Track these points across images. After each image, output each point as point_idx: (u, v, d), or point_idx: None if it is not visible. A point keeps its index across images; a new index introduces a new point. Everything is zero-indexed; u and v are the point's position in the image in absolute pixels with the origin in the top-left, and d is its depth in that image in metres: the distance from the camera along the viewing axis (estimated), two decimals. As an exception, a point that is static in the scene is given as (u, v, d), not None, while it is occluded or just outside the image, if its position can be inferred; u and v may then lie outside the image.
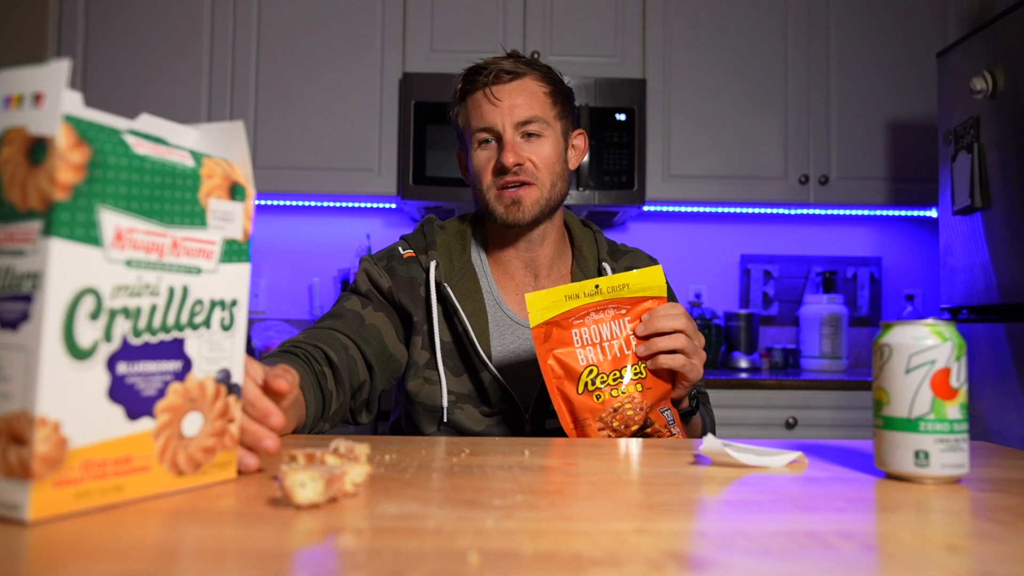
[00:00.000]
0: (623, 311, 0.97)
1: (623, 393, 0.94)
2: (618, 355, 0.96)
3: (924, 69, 2.39)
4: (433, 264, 1.12)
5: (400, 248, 1.17)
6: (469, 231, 1.21)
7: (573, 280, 1.16)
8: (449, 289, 1.10)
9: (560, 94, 1.15)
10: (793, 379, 2.10)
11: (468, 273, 1.15)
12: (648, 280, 0.97)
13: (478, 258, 1.19)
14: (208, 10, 2.37)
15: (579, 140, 1.20)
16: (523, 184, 1.09)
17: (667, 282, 1.24)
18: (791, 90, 2.44)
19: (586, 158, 2.27)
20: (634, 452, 0.76)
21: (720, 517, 0.51)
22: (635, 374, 0.95)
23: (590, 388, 0.95)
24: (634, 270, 0.99)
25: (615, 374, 0.95)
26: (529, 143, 1.10)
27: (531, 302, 0.96)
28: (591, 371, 0.94)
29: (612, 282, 0.96)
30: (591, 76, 2.33)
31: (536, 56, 2.37)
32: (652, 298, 0.98)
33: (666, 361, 0.93)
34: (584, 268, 1.17)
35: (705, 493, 0.58)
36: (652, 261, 1.23)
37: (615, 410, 0.94)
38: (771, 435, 2.06)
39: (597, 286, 0.96)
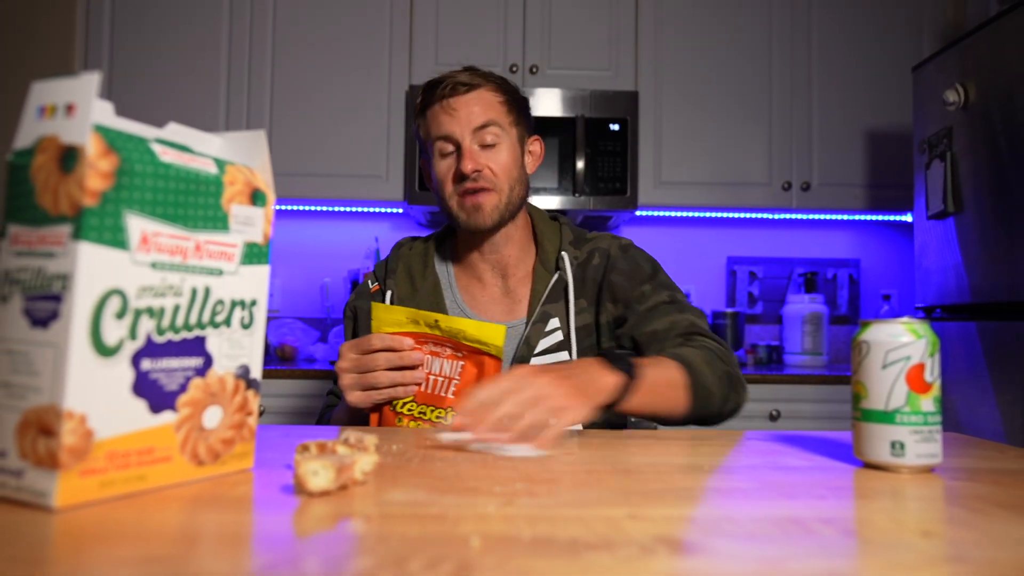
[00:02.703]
0: (460, 355, 0.95)
1: (418, 428, 0.92)
2: (436, 393, 0.94)
3: (900, 82, 2.39)
4: (389, 293, 1.14)
5: (370, 281, 1.19)
6: (433, 246, 1.20)
7: (535, 275, 1.13)
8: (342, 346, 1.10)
9: (515, 103, 1.13)
10: (776, 374, 2.10)
11: (431, 290, 1.14)
12: (486, 335, 0.94)
13: (444, 271, 1.18)
14: (226, 25, 2.37)
15: (535, 146, 1.18)
16: (482, 190, 1.08)
17: (642, 260, 1.14)
18: (775, 101, 2.44)
19: (581, 165, 2.27)
20: (628, 443, 0.76)
21: (708, 504, 0.51)
22: (438, 417, 0.93)
23: (397, 409, 0.95)
24: (478, 320, 0.94)
25: (422, 408, 0.94)
26: (486, 152, 1.09)
27: (376, 312, 0.96)
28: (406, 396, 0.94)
29: (451, 323, 0.94)
30: (586, 88, 2.33)
31: (535, 70, 2.37)
32: (489, 356, 0.94)
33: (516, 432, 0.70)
34: (545, 262, 1.14)
35: (694, 481, 0.58)
36: (615, 239, 1.17)
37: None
38: (756, 426, 2.06)
39: (437, 321, 0.94)
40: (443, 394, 0.94)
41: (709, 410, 0.95)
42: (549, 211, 1.23)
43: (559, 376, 0.75)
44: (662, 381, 0.88)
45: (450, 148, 1.09)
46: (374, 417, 0.98)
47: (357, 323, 1.16)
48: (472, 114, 1.08)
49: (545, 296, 1.10)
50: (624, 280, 1.11)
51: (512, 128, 1.12)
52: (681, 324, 1.05)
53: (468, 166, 1.06)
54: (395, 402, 0.95)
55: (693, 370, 0.92)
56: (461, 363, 0.94)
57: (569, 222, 1.21)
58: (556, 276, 1.12)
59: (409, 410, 0.94)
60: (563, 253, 1.14)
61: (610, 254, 1.15)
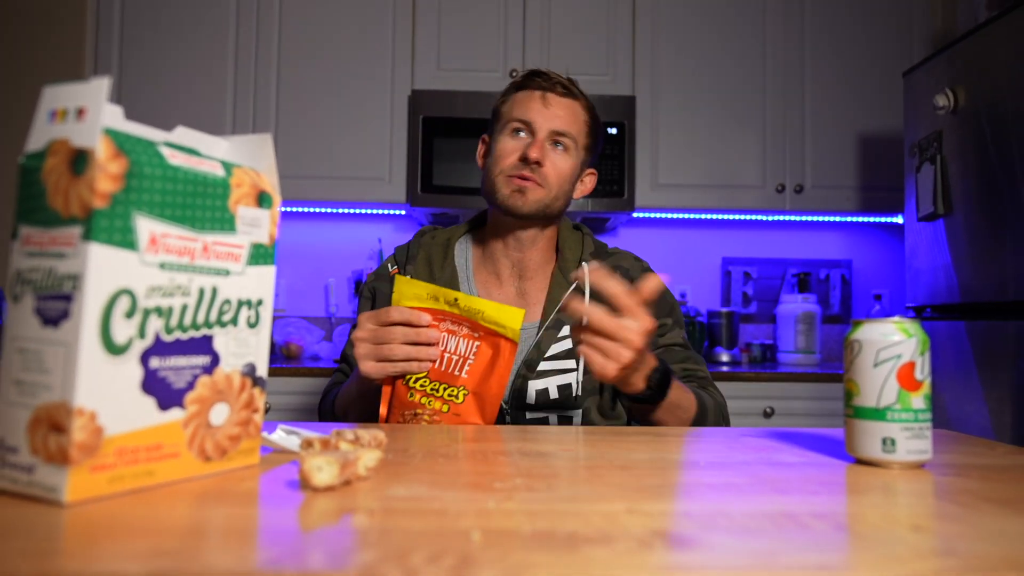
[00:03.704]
0: (476, 335, 0.93)
1: (429, 405, 0.92)
2: (449, 371, 0.93)
3: (891, 87, 2.39)
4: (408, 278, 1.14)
5: (389, 265, 1.19)
6: (456, 236, 1.20)
7: (553, 281, 1.14)
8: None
9: (595, 130, 1.16)
10: (770, 372, 2.10)
11: (448, 281, 1.14)
12: (504, 318, 0.92)
13: (463, 264, 1.18)
14: (232, 31, 2.37)
15: (589, 179, 1.20)
16: (533, 181, 1.09)
17: (666, 293, 1.17)
18: (769, 106, 2.44)
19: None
20: (625, 439, 0.76)
21: (703, 499, 0.51)
22: (449, 395, 0.92)
23: (410, 384, 0.93)
24: (497, 302, 0.93)
25: (435, 385, 0.92)
26: (554, 152, 1.10)
27: (398, 284, 0.95)
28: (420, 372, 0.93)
29: (470, 302, 0.93)
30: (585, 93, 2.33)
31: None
32: (505, 338, 0.92)
33: (581, 350, 0.83)
34: (564, 270, 1.14)
35: (690, 477, 0.58)
36: (637, 261, 1.20)
37: (415, 414, 0.92)
38: (750, 423, 2.06)
39: (456, 299, 0.93)
40: (457, 372, 0.92)
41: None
42: (573, 222, 1.24)
43: (642, 351, 0.84)
44: (676, 403, 0.96)
45: (524, 133, 1.11)
46: (386, 390, 0.96)
47: (375, 304, 1.16)
48: (560, 116, 1.10)
49: (561, 303, 1.10)
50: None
51: (582, 150, 1.14)
52: (699, 373, 1.13)
53: (534, 154, 1.07)
54: (408, 377, 0.94)
55: (703, 413, 1.01)
56: (477, 343, 0.93)
57: (591, 233, 1.22)
58: (574, 285, 1.12)
59: (422, 386, 0.93)
60: (584, 264, 1.14)
61: (632, 276, 1.16)
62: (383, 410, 0.96)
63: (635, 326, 0.82)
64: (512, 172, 1.09)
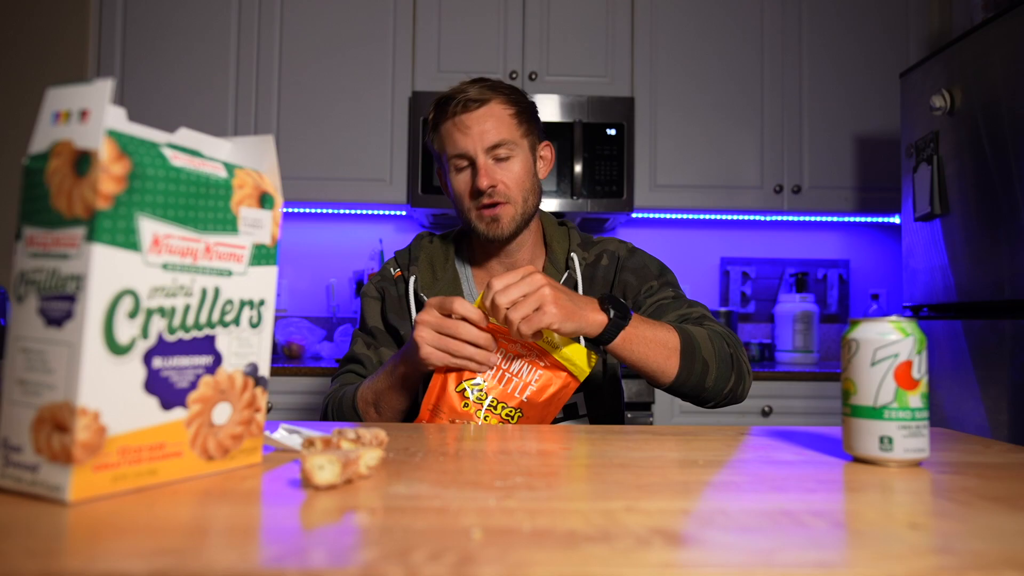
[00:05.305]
0: (541, 363, 0.92)
1: (483, 419, 0.90)
2: (506, 390, 0.91)
3: (888, 88, 2.39)
4: (413, 279, 1.14)
5: (391, 268, 1.19)
6: (452, 246, 1.21)
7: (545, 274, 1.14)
8: (428, 299, 1.07)
9: (524, 113, 1.12)
10: (769, 371, 2.10)
11: (452, 283, 1.15)
12: (574, 355, 0.91)
13: (463, 269, 1.19)
14: (234, 34, 2.37)
15: (546, 151, 1.18)
16: (498, 204, 1.08)
17: (649, 262, 1.17)
18: (766, 107, 2.44)
19: (579, 169, 2.27)
20: (624, 438, 0.76)
21: (702, 497, 0.51)
22: (506, 415, 0.91)
23: (465, 394, 0.91)
24: (578, 344, 0.92)
25: (491, 400, 0.91)
26: (500, 165, 1.09)
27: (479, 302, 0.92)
28: (477, 384, 0.91)
29: (551, 336, 0.91)
30: (584, 94, 2.33)
31: (533, 76, 2.37)
32: (569, 373, 0.92)
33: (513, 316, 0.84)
34: (555, 262, 1.15)
35: (688, 475, 0.58)
36: (621, 244, 1.20)
37: (467, 423, 0.90)
38: (748, 422, 2.06)
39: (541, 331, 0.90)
40: (518, 395, 0.91)
41: (702, 383, 0.97)
42: (556, 216, 1.25)
43: (560, 291, 0.87)
44: (651, 337, 0.93)
45: (465, 164, 1.09)
46: (436, 381, 0.93)
47: (385, 304, 1.17)
48: (485, 132, 1.07)
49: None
50: (633, 277, 1.15)
51: (523, 140, 1.12)
52: (693, 315, 1.08)
53: (484, 183, 1.06)
54: (461, 385, 0.91)
55: (690, 339, 0.97)
56: (540, 372, 0.92)
57: (575, 227, 1.23)
58: (566, 275, 1.14)
59: (478, 399, 0.91)
60: (572, 254, 1.16)
61: (619, 255, 1.18)
62: (431, 399, 0.93)
63: (522, 270, 0.87)
64: (476, 206, 1.09)
